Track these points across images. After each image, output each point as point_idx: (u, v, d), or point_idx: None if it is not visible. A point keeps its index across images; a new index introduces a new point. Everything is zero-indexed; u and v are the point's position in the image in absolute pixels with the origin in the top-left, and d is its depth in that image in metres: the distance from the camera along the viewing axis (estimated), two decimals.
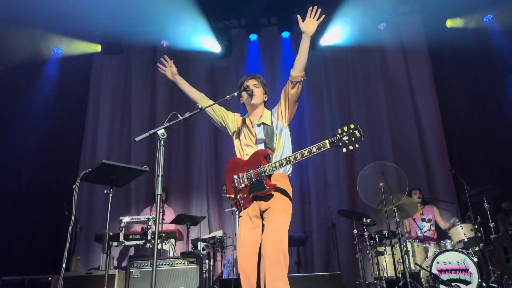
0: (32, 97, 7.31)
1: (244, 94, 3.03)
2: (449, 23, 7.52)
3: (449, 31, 7.52)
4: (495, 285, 4.54)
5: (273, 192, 2.80)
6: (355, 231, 5.48)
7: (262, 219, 2.85)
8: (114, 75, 8.05)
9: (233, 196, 2.88)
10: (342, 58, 7.86)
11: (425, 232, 5.93)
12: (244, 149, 3.01)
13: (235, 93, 2.98)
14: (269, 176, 2.79)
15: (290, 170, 2.98)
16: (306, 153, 2.67)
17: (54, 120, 7.38)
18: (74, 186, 2.99)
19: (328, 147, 2.63)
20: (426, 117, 7.31)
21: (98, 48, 7.84)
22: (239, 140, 3.08)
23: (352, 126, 2.60)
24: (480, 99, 7.20)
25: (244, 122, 3.12)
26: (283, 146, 2.95)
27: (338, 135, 2.63)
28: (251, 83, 3.06)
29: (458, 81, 7.48)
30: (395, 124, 7.36)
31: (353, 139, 2.58)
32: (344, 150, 2.61)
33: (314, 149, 2.65)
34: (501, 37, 7.16)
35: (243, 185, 2.83)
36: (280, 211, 2.79)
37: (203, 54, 7.84)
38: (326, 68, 7.89)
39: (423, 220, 6.01)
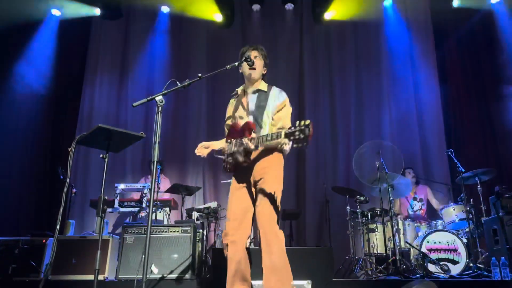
0: (29, 59, 7.17)
1: (245, 65, 2.98)
2: (456, 2, 7.38)
3: (455, 11, 7.40)
4: (482, 266, 4.64)
5: (266, 163, 2.83)
6: (348, 207, 5.54)
7: (255, 186, 2.86)
8: (113, 40, 7.90)
9: (223, 157, 2.93)
10: (345, 33, 7.74)
11: (415, 211, 6.00)
12: (238, 121, 2.99)
13: (236, 63, 2.94)
14: (247, 153, 2.73)
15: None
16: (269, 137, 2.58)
17: (52, 84, 7.28)
18: (69, 149, 2.98)
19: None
20: (426, 98, 7.27)
21: (97, 11, 7.65)
22: (233, 114, 3.06)
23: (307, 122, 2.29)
24: (481, 83, 7.16)
25: (237, 94, 3.11)
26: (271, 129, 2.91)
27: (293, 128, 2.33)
28: (253, 54, 3.01)
29: (460, 62, 7.42)
30: (394, 103, 7.32)
31: (302, 136, 2.27)
32: (295, 146, 2.34)
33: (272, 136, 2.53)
34: (507, 21, 7.05)
35: (232, 150, 2.83)
36: (272, 179, 2.82)
37: (204, 23, 7.71)
38: (328, 43, 7.77)
39: (415, 199, 6.08)
